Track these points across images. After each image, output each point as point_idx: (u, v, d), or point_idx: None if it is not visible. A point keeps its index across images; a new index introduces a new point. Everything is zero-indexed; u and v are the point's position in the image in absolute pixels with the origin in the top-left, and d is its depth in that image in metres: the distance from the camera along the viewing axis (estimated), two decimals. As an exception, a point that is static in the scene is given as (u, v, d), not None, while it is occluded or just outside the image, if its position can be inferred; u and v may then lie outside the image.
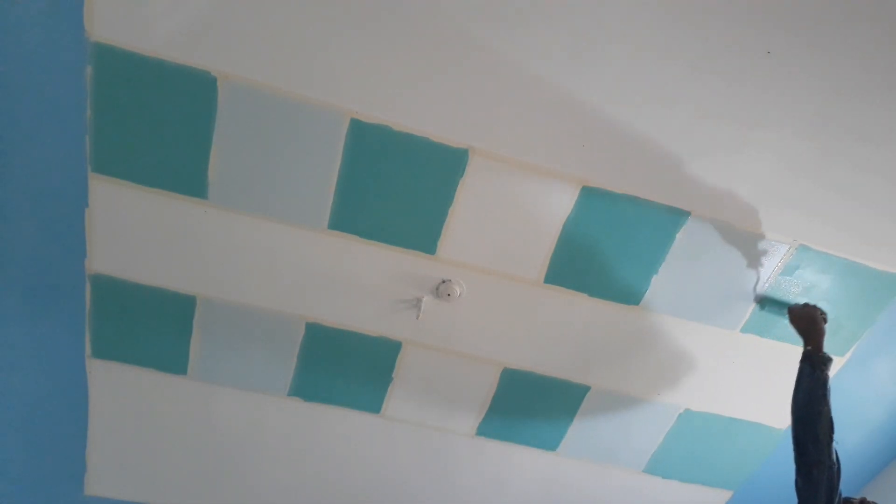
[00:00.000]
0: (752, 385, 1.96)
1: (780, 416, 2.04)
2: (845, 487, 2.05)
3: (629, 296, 1.77)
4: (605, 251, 1.69)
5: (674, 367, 1.92)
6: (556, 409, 2.00)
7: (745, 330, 1.84)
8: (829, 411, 1.50)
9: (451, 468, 2.15)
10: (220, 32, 1.39)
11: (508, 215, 1.64)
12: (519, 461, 2.13)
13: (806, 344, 1.63)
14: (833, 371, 1.92)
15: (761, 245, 1.70)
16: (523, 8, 1.37)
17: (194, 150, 1.53)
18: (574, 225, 1.65)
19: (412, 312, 1.79)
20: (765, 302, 1.80)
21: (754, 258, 1.72)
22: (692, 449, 2.10)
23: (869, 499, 1.50)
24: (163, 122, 1.49)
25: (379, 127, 1.50)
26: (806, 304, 1.71)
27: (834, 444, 1.48)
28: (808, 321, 1.65)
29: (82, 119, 1.48)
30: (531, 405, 1.99)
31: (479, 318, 1.81)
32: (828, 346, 1.85)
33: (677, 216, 1.64)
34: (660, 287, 1.75)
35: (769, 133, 1.53)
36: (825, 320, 1.66)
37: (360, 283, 1.74)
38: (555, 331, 1.83)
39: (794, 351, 1.88)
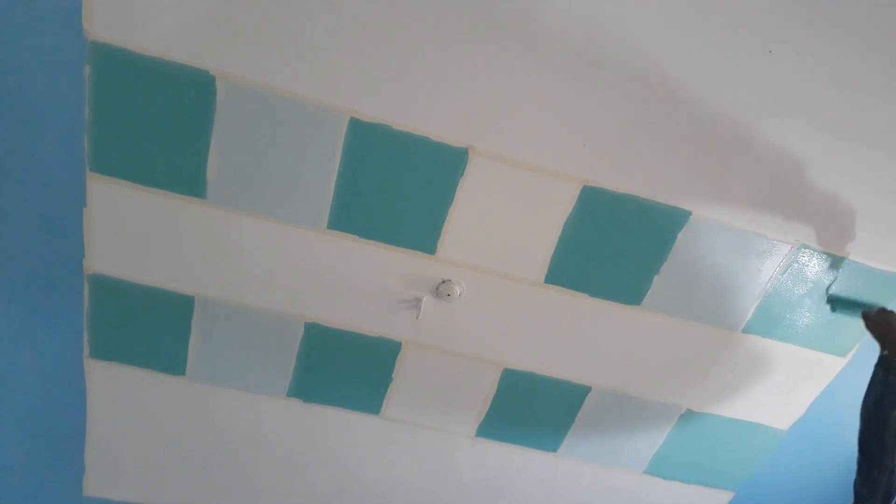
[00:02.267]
0: (754, 386, 1.95)
1: (781, 417, 2.03)
2: (843, 488, 2.05)
3: (631, 296, 1.77)
4: (606, 251, 1.69)
5: (675, 368, 1.91)
6: (556, 409, 2.00)
7: (746, 330, 1.84)
8: None
9: (451, 469, 2.14)
10: (219, 32, 1.39)
11: (508, 215, 1.63)
12: (519, 462, 2.12)
13: (882, 349, 1.61)
14: (834, 372, 1.93)
15: (762, 245, 1.69)
16: (523, 8, 1.37)
17: (193, 149, 1.52)
18: (574, 225, 1.65)
19: (412, 312, 1.78)
20: (836, 304, 1.77)
21: (756, 258, 1.71)
22: (693, 450, 2.09)
23: None
24: (161, 122, 1.48)
25: (379, 126, 1.50)
26: (882, 310, 1.67)
27: None
28: (885, 327, 1.63)
29: (80, 118, 1.47)
30: (531, 406, 1.99)
31: (479, 318, 1.80)
32: (830, 347, 1.85)
33: (678, 216, 1.64)
34: (661, 287, 1.75)
35: (770, 132, 1.53)
36: None
37: (359, 283, 1.73)
38: (555, 331, 1.83)
39: (795, 351, 1.88)
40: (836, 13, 1.38)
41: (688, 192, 1.60)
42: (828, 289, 1.76)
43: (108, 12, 1.36)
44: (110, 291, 1.72)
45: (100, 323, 1.78)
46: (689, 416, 2.01)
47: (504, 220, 1.64)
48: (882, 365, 1.58)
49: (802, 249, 1.70)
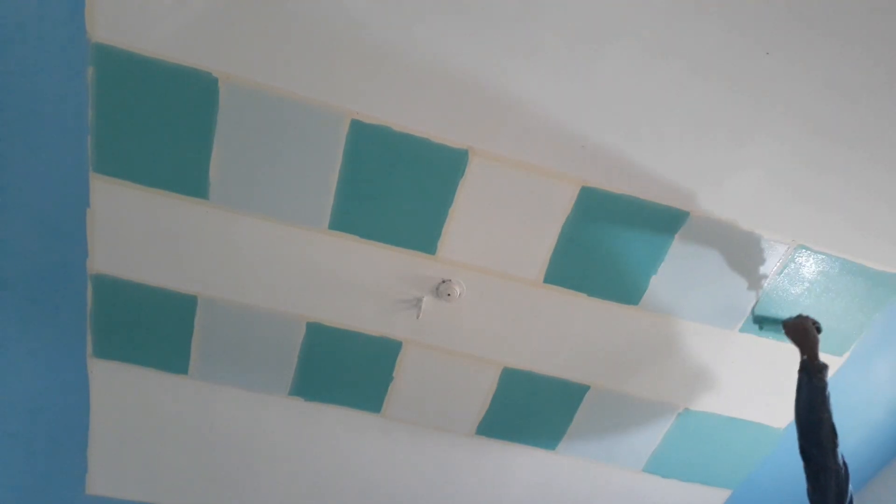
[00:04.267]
0: (751, 385, 1.96)
1: (778, 416, 2.04)
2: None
3: (629, 296, 1.78)
4: (605, 251, 1.70)
5: (673, 367, 1.92)
6: (555, 408, 2.01)
7: (743, 330, 1.85)
8: (829, 417, 1.52)
9: (451, 467, 2.15)
10: (221, 33, 1.40)
11: (508, 215, 1.64)
12: (518, 461, 2.13)
13: (801, 354, 1.65)
14: (832, 371, 1.94)
15: (760, 245, 1.70)
16: (523, 8, 1.38)
17: (195, 150, 1.53)
18: (574, 225, 1.66)
19: (412, 312, 1.79)
20: (762, 322, 1.83)
21: (753, 258, 1.72)
22: (691, 448, 2.10)
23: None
24: (164, 123, 1.49)
25: (379, 127, 1.51)
26: (799, 316, 1.73)
27: (839, 448, 1.51)
28: (801, 332, 1.67)
29: (84, 120, 1.48)
30: (531, 405, 2.00)
31: (479, 318, 1.81)
32: (827, 347, 1.86)
33: (677, 216, 1.65)
34: (659, 287, 1.76)
35: (768, 133, 1.53)
36: (819, 329, 1.69)
37: (360, 283, 1.74)
38: (554, 331, 1.84)
39: (793, 350, 1.88)
40: (834, 18, 1.39)
41: (686, 192, 1.62)
42: (752, 309, 1.81)
43: (111, 14, 1.37)
44: (113, 291, 1.73)
45: (103, 322, 1.79)
46: (686, 414, 2.02)
47: (504, 220, 1.65)
48: (804, 370, 1.62)
49: (799, 249, 1.71)
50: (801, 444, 1.56)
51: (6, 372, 1.86)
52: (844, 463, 1.50)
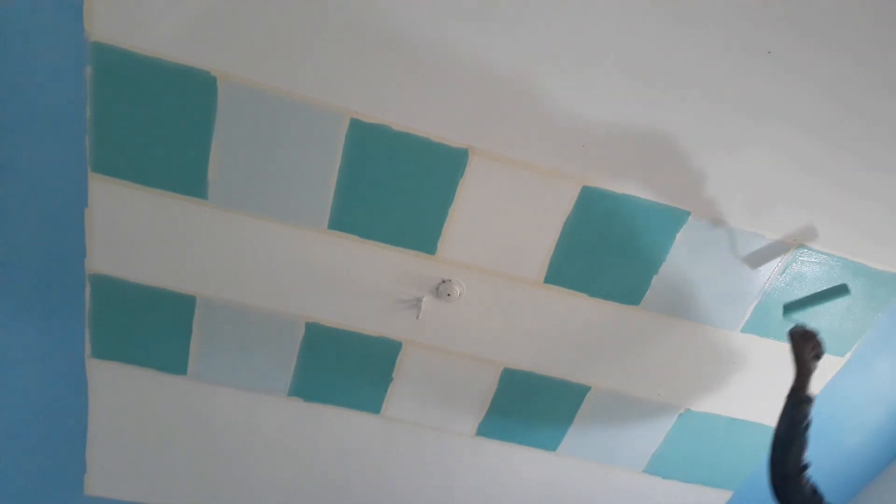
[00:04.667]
0: (753, 385, 1.96)
1: (780, 417, 2.04)
2: (846, 486, 2.04)
3: (629, 296, 1.77)
4: (605, 251, 1.69)
5: (674, 367, 1.91)
6: (556, 409, 2.00)
7: (745, 330, 1.84)
8: (799, 450, 1.47)
9: (451, 468, 2.15)
10: (220, 32, 1.39)
11: (508, 215, 1.64)
12: (519, 461, 2.12)
13: (793, 379, 1.58)
14: (833, 371, 1.94)
15: (761, 245, 1.70)
16: (523, 8, 1.37)
17: (194, 149, 1.53)
18: (574, 225, 1.65)
19: (412, 312, 1.79)
20: (791, 313, 1.72)
21: (754, 258, 1.72)
22: (692, 449, 2.10)
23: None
24: (162, 122, 1.49)
25: (379, 127, 1.51)
26: (807, 333, 1.59)
27: (805, 477, 1.46)
28: (797, 356, 1.58)
29: (82, 119, 1.48)
30: (531, 405, 1.99)
31: (479, 318, 1.81)
32: (829, 347, 1.85)
33: (677, 216, 1.64)
34: (660, 287, 1.75)
35: (769, 133, 1.53)
36: (818, 356, 1.58)
37: (360, 283, 1.74)
38: (555, 331, 1.83)
39: (794, 351, 1.88)
40: (836, 14, 1.38)
41: (687, 192, 1.61)
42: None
43: (110, 13, 1.36)
44: (112, 291, 1.73)
45: (101, 322, 1.78)
46: (688, 415, 2.02)
47: (504, 220, 1.65)
48: (789, 399, 1.56)
49: (801, 249, 1.71)
50: (769, 474, 1.50)
51: (4, 372, 1.85)
52: (815, 492, 1.44)
